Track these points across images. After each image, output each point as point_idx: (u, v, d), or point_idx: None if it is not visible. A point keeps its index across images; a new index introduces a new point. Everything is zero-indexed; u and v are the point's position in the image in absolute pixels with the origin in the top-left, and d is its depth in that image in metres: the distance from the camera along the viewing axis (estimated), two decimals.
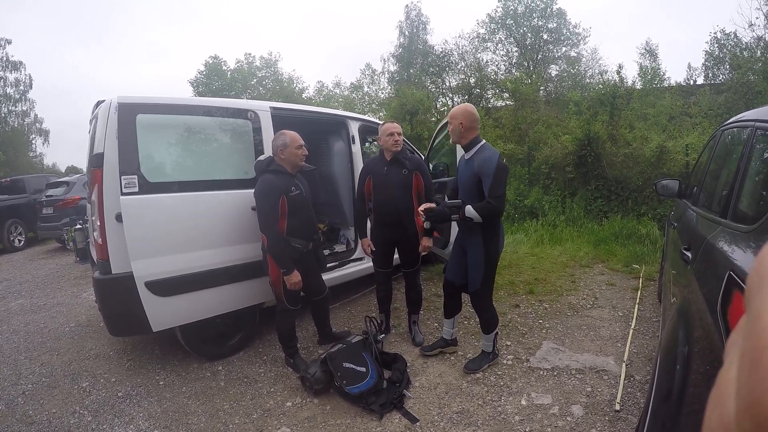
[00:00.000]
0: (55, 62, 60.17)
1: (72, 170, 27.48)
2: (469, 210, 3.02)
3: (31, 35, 55.03)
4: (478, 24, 27.51)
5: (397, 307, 4.75)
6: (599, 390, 3.14)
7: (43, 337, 4.78)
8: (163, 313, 3.35)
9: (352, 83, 29.23)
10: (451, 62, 25.84)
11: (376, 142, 6.93)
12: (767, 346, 0.22)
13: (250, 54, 29.76)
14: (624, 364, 3.44)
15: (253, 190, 3.42)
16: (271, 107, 4.18)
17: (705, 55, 19.12)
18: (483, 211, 3.00)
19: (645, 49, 22.22)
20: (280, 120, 4.21)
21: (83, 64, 67.86)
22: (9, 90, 28.11)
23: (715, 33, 18.28)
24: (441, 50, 26.52)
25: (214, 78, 28.29)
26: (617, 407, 2.88)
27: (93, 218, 3.45)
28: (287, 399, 3.26)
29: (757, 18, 17.31)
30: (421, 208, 3.29)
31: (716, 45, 18.38)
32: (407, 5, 28.58)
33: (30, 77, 28.78)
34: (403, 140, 3.94)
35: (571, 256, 7.08)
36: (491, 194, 2.99)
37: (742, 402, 0.22)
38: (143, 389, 3.48)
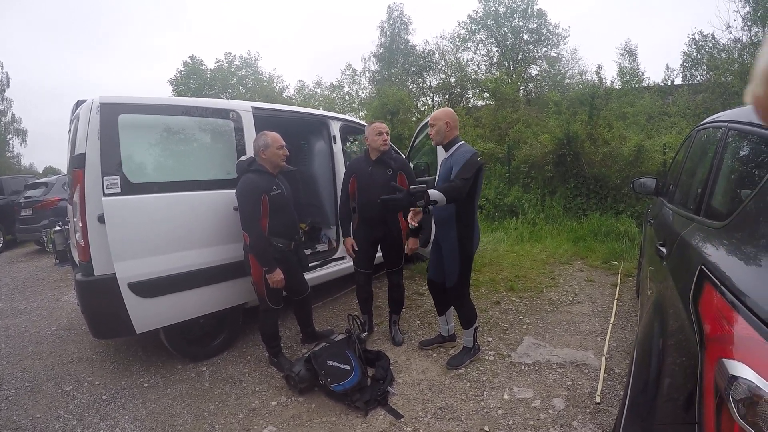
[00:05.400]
0: (31, 62, 59.10)
1: (50, 171, 26.94)
2: (433, 193, 2.90)
3: (7, 35, 53.89)
4: (459, 24, 27.61)
5: (379, 305, 4.78)
6: (580, 383, 3.21)
7: (24, 341, 4.71)
8: (147, 315, 3.33)
9: (332, 83, 29.19)
10: (432, 62, 25.91)
11: (358, 141, 6.95)
12: None
13: (230, 53, 29.54)
14: (604, 358, 3.52)
15: (234, 191, 3.43)
16: (252, 107, 4.18)
17: (683, 56, 19.38)
18: (447, 192, 2.93)
19: (624, 50, 22.50)
20: (262, 120, 4.20)
21: (62, 64, 66.81)
22: None
23: (694, 34, 18.54)
24: (422, 50, 26.61)
25: (193, 77, 28.01)
26: (598, 400, 2.95)
27: (75, 219, 3.41)
28: (272, 398, 3.27)
29: (734, 20, 17.64)
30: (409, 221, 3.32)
31: (694, 46, 18.63)
32: (389, 5, 28.63)
33: (7, 75, 28.25)
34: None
35: (550, 254, 7.19)
36: (457, 176, 3.02)
37: None
38: (128, 392, 3.46)
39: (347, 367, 3.28)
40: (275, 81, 29.33)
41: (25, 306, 6.03)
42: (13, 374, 3.93)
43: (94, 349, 4.32)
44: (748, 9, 16.18)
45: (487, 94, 18.21)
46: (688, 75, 19.47)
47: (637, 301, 4.29)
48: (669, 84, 18.98)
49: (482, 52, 27.26)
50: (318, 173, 5.94)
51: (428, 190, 2.91)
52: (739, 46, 16.03)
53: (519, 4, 26.60)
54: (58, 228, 7.25)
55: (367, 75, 29.16)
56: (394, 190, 3.02)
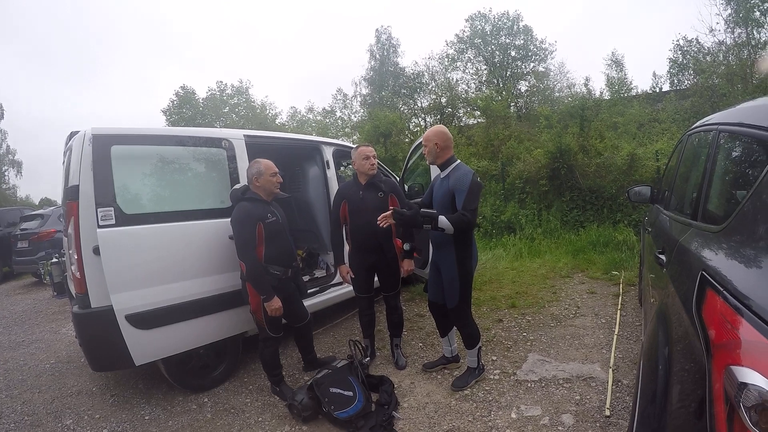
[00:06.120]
0: (25, 92, 59.62)
1: (46, 203, 26.91)
2: (442, 220, 2.99)
3: (5, 68, 54.37)
4: (447, 44, 27.98)
5: (380, 329, 4.71)
6: (588, 397, 3.16)
7: (23, 374, 4.64)
8: (145, 347, 3.28)
9: (324, 108, 29.43)
10: (422, 83, 26.15)
11: (351, 166, 6.96)
12: None
13: (221, 82, 29.86)
14: (611, 370, 3.48)
15: (229, 219, 3.42)
16: (245, 135, 4.18)
17: (669, 62, 19.61)
18: (456, 223, 3.00)
19: (611, 60, 22.75)
20: (255, 148, 4.21)
21: (55, 95, 67.34)
22: None
23: (678, 40, 18.76)
24: (412, 72, 26.87)
25: (186, 107, 28.26)
26: (607, 413, 2.90)
27: (70, 252, 3.39)
28: (276, 428, 3.20)
29: (717, 23, 17.90)
30: (389, 213, 3.23)
31: (679, 52, 18.85)
32: (377, 29, 29.05)
33: (1, 107, 28.32)
34: (378, 163, 3.94)
35: (550, 268, 7.17)
36: (465, 207, 3.03)
37: None
38: (128, 425, 3.39)
39: (350, 393, 3.23)
40: (267, 108, 29.57)
41: (23, 339, 5.96)
42: (12, 408, 3.86)
43: (93, 381, 4.25)
44: (729, 11, 16.44)
45: (478, 113, 18.36)
46: (676, 81, 19.67)
47: (640, 311, 4.27)
48: (657, 91, 19.19)
49: (471, 71, 27.58)
50: (313, 199, 5.94)
51: (439, 217, 2.99)
52: (724, 48, 16.29)
53: (505, 21, 27.02)
54: (54, 260, 7.21)
55: (359, 99, 29.46)
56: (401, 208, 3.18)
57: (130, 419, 3.48)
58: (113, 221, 3.17)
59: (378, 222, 3.24)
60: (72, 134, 3.63)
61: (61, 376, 4.49)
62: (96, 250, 3.11)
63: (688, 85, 17.47)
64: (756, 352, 0.93)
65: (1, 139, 28.89)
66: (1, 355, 5.32)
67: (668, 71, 19.98)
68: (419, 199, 5.37)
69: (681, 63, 18.92)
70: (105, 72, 68.41)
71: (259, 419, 3.34)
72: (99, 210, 3.13)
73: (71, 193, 3.20)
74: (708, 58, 16.45)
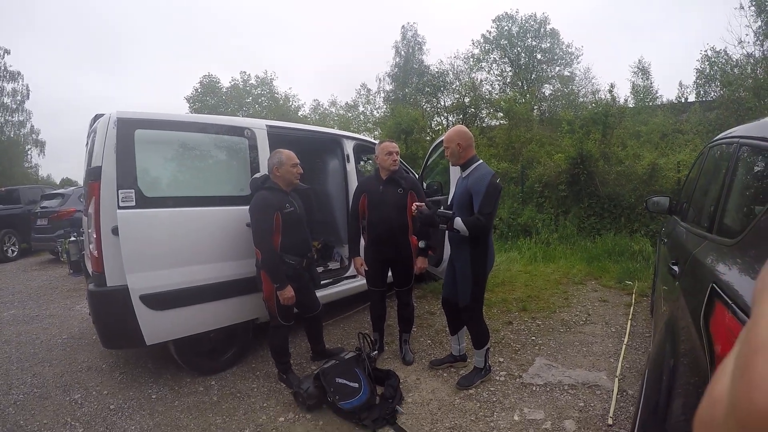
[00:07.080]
0: (52, 75, 60.45)
1: (67, 182, 27.32)
2: (458, 222, 3.06)
3: (31, 48, 55.36)
4: (473, 44, 27.81)
5: (390, 324, 4.72)
6: (592, 405, 3.15)
7: (35, 347, 4.75)
8: (157, 327, 3.35)
9: (347, 102, 29.46)
10: (446, 82, 26.01)
11: (371, 161, 6.98)
12: (756, 351, 0.22)
13: (245, 72, 30.08)
14: (617, 379, 3.46)
15: (248, 207, 3.46)
16: (267, 125, 4.22)
17: (696, 72, 19.17)
18: (471, 226, 3.04)
19: (637, 68, 22.40)
20: (276, 138, 4.25)
21: (81, 78, 68.15)
22: (6, 100, 28.00)
23: (706, 51, 18.32)
24: (436, 70, 26.74)
25: (209, 95, 28.51)
26: (610, 422, 2.89)
27: (89, 231, 3.47)
28: (280, 414, 3.25)
29: (746, 35, 17.36)
30: (414, 205, 3.34)
31: (707, 63, 18.41)
32: (404, 25, 28.98)
33: (27, 87, 28.70)
34: (399, 160, 3.96)
35: (564, 274, 7.12)
36: (480, 211, 3.05)
37: (730, 404, 0.23)
38: (135, 402, 3.46)
39: (356, 385, 3.26)
40: (291, 100, 29.70)
41: (38, 313, 6.10)
42: (22, 380, 3.97)
43: (103, 358, 4.34)
44: (760, 23, 16.04)
45: (501, 114, 18.24)
46: (702, 92, 19.23)
47: (651, 321, 4.23)
48: (683, 101, 18.84)
49: (496, 72, 27.45)
50: (331, 192, 5.98)
51: (455, 219, 3.08)
52: (752, 61, 15.85)
53: (532, 24, 26.79)
54: (72, 238, 7.35)
55: (382, 95, 29.42)
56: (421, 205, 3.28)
57: (137, 397, 3.55)
58: (133, 203, 3.24)
59: (412, 211, 3.34)
60: (97, 117, 3.70)
61: (72, 352, 4.60)
62: (115, 231, 3.17)
63: (714, 97, 17.10)
64: None
65: (26, 119, 29.36)
66: (15, 329, 5.45)
67: (695, 82, 19.56)
68: (438, 197, 5.41)
69: (708, 74, 18.51)
70: (130, 58, 69.25)
71: (264, 405, 3.39)
72: (120, 191, 3.19)
73: (93, 174, 3.27)
74: (736, 71, 16.03)
